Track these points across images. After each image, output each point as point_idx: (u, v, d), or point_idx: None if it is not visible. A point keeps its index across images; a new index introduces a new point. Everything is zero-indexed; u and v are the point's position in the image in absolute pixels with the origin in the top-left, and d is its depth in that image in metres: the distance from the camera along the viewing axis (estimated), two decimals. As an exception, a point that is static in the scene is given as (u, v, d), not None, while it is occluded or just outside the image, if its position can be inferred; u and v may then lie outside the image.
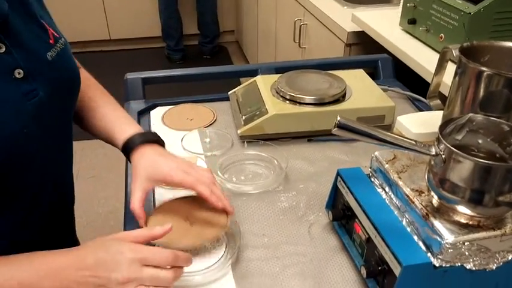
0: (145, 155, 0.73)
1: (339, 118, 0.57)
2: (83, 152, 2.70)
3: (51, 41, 0.68)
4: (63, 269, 0.57)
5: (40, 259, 0.59)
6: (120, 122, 0.79)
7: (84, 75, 0.84)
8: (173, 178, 0.70)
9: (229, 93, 1.12)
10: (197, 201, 0.74)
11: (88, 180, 2.50)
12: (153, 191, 0.83)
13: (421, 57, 1.18)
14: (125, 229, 0.75)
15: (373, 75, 1.19)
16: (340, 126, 0.58)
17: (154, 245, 0.65)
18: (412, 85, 1.18)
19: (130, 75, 1.14)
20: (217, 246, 0.72)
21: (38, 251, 0.61)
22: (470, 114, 0.60)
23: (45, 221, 0.74)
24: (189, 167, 0.72)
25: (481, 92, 0.63)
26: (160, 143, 0.77)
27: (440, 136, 0.56)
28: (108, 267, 0.57)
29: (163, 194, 0.80)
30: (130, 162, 0.75)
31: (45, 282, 0.57)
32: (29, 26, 0.65)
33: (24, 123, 0.62)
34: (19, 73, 0.61)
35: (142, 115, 1.09)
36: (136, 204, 0.69)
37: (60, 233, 0.82)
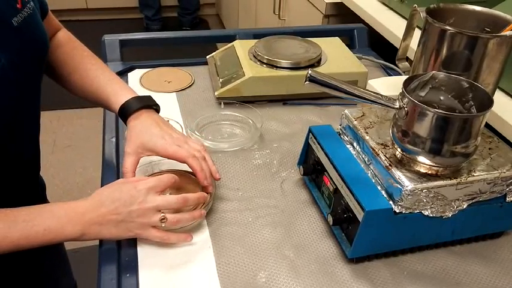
0: (142, 122, 0.73)
1: (310, 72, 0.60)
2: (59, 122, 2.67)
3: (18, 5, 0.63)
4: (83, 214, 0.61)
5: (59, 208, 0.61)
6: (113, 86, 0.78)
7: (67, 36, 0.83)
8: (167, 150, 0.71)
9: (207, 57, 1.13)
10: (186, 175, 0.76)
11: (65, 149, 2.48)
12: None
13: (395, 27, 1.21)
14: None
15: (350, 46, 1.22)
16: (311, 79, 0.61)
17: None
18: (387, 56, 1.21)
19: (107, 37, 1.14)
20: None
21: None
22: (433, 72, 0.63)
23: (8, 186, 0.72)
24: (183, 141, 0.73)
25: (444, 51, 0.66)
26: (156, 108, 0.78)
27: (403, 90, 0.60)
28: (125, 203, 0.61)
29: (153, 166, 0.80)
30: (126, 125, 0.75)
31: (68, 227, 0.60)
32: None
33: None
34: None
35: (119, 77, 1.09)
36: (129, 168, 0.70)
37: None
